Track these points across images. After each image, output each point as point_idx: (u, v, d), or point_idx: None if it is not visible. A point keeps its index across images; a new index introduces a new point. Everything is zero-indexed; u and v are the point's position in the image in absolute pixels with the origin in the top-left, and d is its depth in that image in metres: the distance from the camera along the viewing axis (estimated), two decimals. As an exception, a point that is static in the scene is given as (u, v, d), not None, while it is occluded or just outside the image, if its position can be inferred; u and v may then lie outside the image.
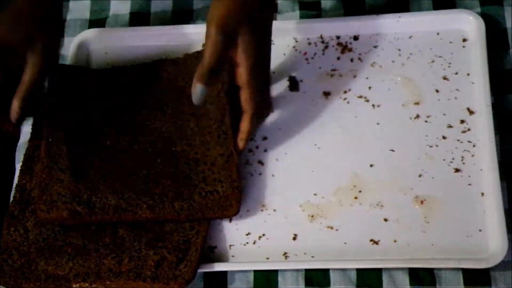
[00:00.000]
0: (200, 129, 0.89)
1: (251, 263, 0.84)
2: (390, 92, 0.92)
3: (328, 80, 0.94)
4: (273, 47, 0.95)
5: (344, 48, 0.95)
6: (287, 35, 0.96)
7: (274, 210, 0.87)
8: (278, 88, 0.94)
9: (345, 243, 0.84)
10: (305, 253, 0.84)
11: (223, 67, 0.82)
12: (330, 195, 0.86)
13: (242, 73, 0.81)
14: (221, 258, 0.85)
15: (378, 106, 0.91)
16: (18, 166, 0.92)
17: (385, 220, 0.85)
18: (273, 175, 0.89)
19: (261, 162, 0.90)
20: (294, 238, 0.85)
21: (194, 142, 0.88)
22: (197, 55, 0.92)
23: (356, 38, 0.95)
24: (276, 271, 0.84)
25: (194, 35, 0.97)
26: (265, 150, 0.90)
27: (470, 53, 0.92)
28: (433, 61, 0.92)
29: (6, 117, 0.82)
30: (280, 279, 0.84)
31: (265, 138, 0.91)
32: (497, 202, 0.82)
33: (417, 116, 0.89)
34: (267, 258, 0.84)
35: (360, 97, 0.92)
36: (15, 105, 0.81)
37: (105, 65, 0.96)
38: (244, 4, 0.79)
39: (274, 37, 0.96)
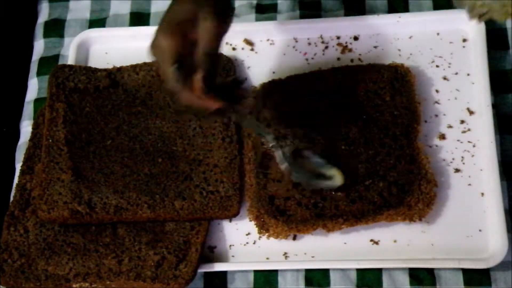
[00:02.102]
0: (203, 131, 0.89)
1: (251, 263, 0.84)
2: (390, 92, 0.92)
3: (328, 80, 0.94)
4: (273, 47, 0.95)
5: (344, 48, 0.95)
6: (287, 35, 0.96)
7: (274, 210, 0.87)
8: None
9: (345, 243, 0.84)
10: (305, 253, 0.84)
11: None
12: (330, 195, 0.86)
13: None
14: (221, 258, 0.85)
15: (378, 106, 0.91)
16: (18, 166, 0.92)
17: (385, 220, 0.85)
18: (273, 175, 0.89)
19: (261, 162, 0.90)
20: (294, 238, 0.85)
21: (196, 143, 0.88)
22: None
23: (356, 38, 0.95)
24: (276, 271, 0.84)
25: (194, 35, 0.97)
26: (265, 150, 0.90)
27: (470, 53, 0.92)
28: (433, 61, 0.92)
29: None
30: (280, 279, 0.84)
31: (265, 138, 0.91)
32: (497, 202, 0.82)
33: (417, 116, 0.90)
34: (267, 258, 0.84)
35: (360, 97, 0.92)
36: (198, 76, 0.72)
37: (105, 65, 0.96)
38: None
39: (274, 37, 0.96)
